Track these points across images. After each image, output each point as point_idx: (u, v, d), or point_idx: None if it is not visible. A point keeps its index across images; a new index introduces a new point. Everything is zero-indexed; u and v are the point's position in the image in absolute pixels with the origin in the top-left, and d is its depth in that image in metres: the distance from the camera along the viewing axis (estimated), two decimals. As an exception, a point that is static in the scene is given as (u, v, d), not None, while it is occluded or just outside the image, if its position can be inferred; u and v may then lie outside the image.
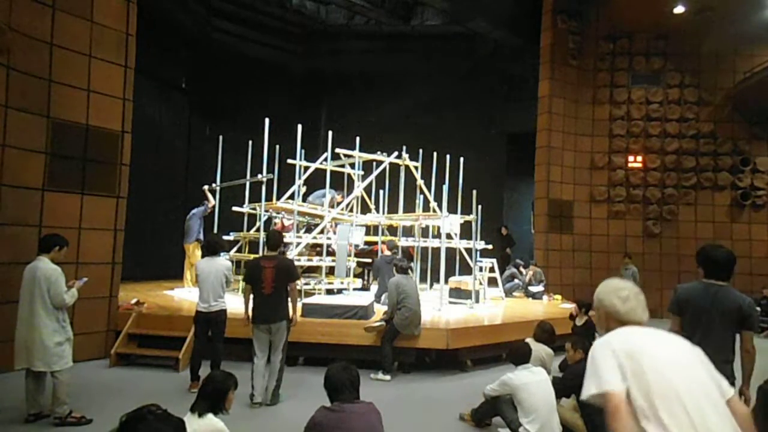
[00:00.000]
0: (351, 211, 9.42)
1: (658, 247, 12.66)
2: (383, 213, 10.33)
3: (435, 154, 10.11)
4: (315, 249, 9.08)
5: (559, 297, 10.78)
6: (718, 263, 3.33)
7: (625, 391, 1.77)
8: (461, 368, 6.75)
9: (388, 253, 8.78)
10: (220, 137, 9.42)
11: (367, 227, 10.05)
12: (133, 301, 7.13)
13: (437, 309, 7.95)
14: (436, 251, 9.48)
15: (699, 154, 12.69)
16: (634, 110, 12.84)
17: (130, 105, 6.96)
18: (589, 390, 1.85)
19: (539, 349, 5.06)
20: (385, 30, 15.29)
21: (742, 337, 3.24)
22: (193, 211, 9.00)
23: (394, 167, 10.02)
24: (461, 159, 10.17)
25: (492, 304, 9.29)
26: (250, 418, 4.73)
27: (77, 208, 6.37)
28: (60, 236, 4.69)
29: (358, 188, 9.51)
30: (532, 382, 4.21)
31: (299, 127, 8.15)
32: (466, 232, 9.72)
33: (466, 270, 9.37)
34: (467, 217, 9.32)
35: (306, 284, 8.35)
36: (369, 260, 9.82)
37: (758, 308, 9.66)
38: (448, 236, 9.17)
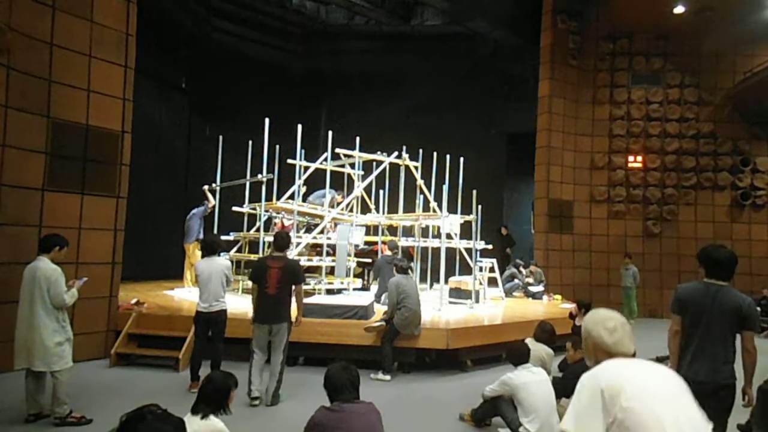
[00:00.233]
0: (351, 211, 9.42)
1: (658, 247, 12.66)
2: (383, 213, 10.32)
3: (435, 154, 10.11)
4: (315, 249, 9.08)
5: (559, 297, 10.78)
6: (719, 263, 3.33)
7: None
8: (461, 368, 6.75)
9: (389, 253, 8.78)
10: (220, 137, 9.42)
11: (367, 227, 10.05)
12: (133, 301, 7.13)
13: (437, 309, 7.94)
14: (436, 251, 9.48)
15: (699, 154, 12.70)
16: (634, 110, 12.85)
17: (130, 105, 6.96)
18: (566, 424, 1.85)
19: (539, 349, 5.06)
20: (385, 30, 15.29)
21: (743, 338, 3.23)
22: (193, 211, 9.00)
23: (394, 167, 10.02)
24: (461, 159, 10.16)
25: (492, 304, 9.29)
26: (250, 418, 4.73)
27: (77, 208, 6.37)
28: (60, 236, 4.69)
29: (358, 188, 9.50)
30: (532, 381, 4.21)
31: (299, 127, 8.15)
32: (466, 232, 9.71)
33: (466, 270, 9.37)
34: (467, 217, 9.32)
35: (306, 284, 8.34)
36: (369, 260, 9.82)
37: (758, 308, 9.67)
38: (448, 236, 9.17)
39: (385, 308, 6.73)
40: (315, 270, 8.85)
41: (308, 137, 9.30)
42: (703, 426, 1.82)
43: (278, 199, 8.91)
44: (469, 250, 9.19)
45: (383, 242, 9.77)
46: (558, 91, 12.49)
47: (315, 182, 9.93)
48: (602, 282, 12.54)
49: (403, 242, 9.45)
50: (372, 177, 9.35)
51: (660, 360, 6.28)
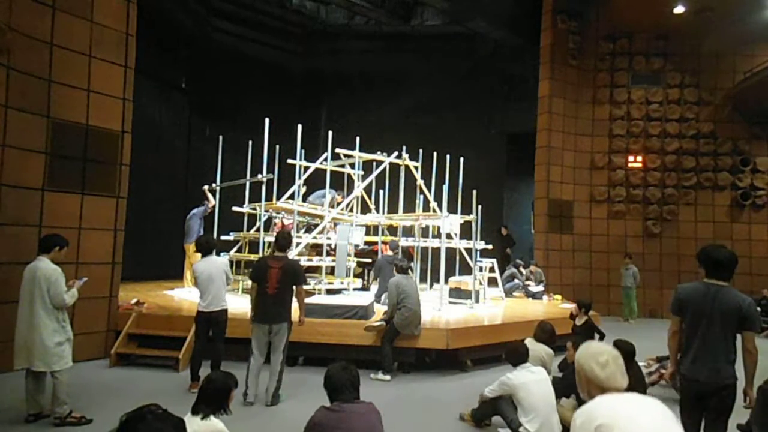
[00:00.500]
0: (351, 211, 9.42)
1: (658, 247, 12.67)
2: (383, 213, 10.33)
3: (435, 154, 10.11)
4: (315, 249, 9.08)
5: (559, 297, 10.78)
6: (719, 263, 3.33)
7: None
8: (461, 368, 6.75)
9: (390, 253, 8.77)
10: (220, 137, 9.41)
11: (367, 227, 10.05)
12: (133, 301, 7.13)
13: (437, 309, 7.94)
14: (436, 251, 9.48)
15: (699, 154, 12.70)
16: (634, 110, 12.85)
17: (130, 105, 6.96)
18: None
19: (539, 349, 5.06)
20: (385, 30, 15.30)
21: (743, 338, 3.23)
22: (193, 211, 9.00)
23: (394, 167, 10.02)
24: (461, 159, 10.16)
25: (492, 304, 9.29)
26: (250, 419, 4.73)
27: (77, 208, 6.37)
28: (60, 236, 4.68)
29: (358, 188, 9.51)
30: (532, 381, 4.21)
31: (299, 127, 8.15)
32: (466, 232, 9.71)
33: (466, 270, 9.37)
34: (467, 217, 9.32)
35: (306, 284, 8.33)
36: (369, 260, 9.82)
37: (758, 308, 9.67)
38: (448, 236, 9.17)
39: (385, 308, 6.73)
40: (315, 270, 8.85)
41: (308, 137, 9.30)
42: None
43: (278, 199, 8.91)
44: (469, 250, 9.19)
45: (384, 242, 9.77)
46: (558, 91, 12.49)
47: (315, 182, 9.93)
48: (602, 282, 12.55)
49: (403, 242, 9.45)
50: (372, 177, 9.35)
51: (660, 360, 6.30)
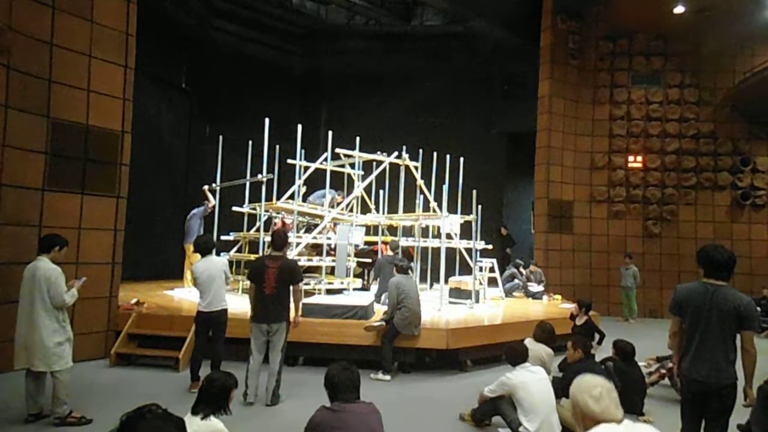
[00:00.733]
0: (351, 211, 9.42)
1: (658, 247, 12.67)
2: (383, 213, 10.33)
3: (435, 154, 10.11)
4: (315, 249, 9.08)
5: (559, 297, 10.78)
6: (718, 263, 3.33)
7: None
8: (461, 368, 6.75)
9: (390, 253, 8.77)
10: (220, 137, 9.42)
11: (367, 227, 10.05)
12: (133, 301, 7.13)
13: (437, 309, 7.94)
14: (436, 251, 9.48)
15: (699, 154, 12.70)
16: (634, 110, 12.85)
17: (130, 105, 6.96)
18: None
19: (539, 349, 5.06)
20: (385, 30, 15.30)
21: (742, 337, 3.23)
22: (194, 211, 8.99)
23: (394, 167, 10.02)
24: (461, 159, 10.17)
25: (492, 304, 9.29)
26: (250, 419, 4.73)
27: (77, 208, 6.37)
28: (60, 236, 4.68)
29: (358, 188, 9.51)
30: (531, 381, 4.21)
31: (299, 127, 8.15)
32: (466, 232, 9.72)
33: (466, 270, 9.37)
34: (467, 217, 9.32)
35: (306, 284, 8.34)
36: (369, 260, 9.82)
37: (758, 308, 9.67)
38: (448, 236, 9.17)
39: (385, 308, 6.73)
40: (315, 270, 8.85)
41: (308, 137, 9.29)
42: None
43: (278, 199, 8.92)
44: (469, 250, 9.19)
45: (384, 242, 9.77)
46: (558, 91, 12.49)
47: (315, 182, 9.93)
48: (602, 282, 12.55)
49: (403, 242, 9.45)
50: (372, 177, 9.35)
51: (660, 360, 6.31)
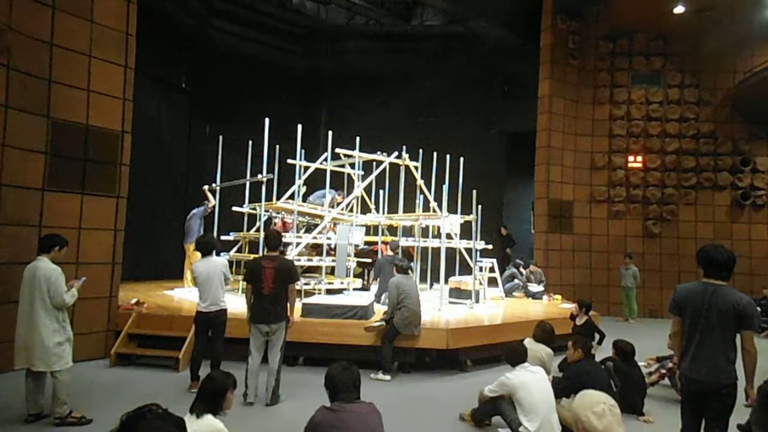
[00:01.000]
0: (351, 211, 9.42)
1: (658, 247, 12.67)
2: (383, 213, 10.33)
3: (435, 154, 10.11)
4: (315, 249, 9.08)
5: (559, 297, 10.78)
6: (717, 263, 3.33)
7: None
8: (461, 368, 6.75)
9: (390, 253, 8.77)
10: (220, 137, 9.42)
11: (367, 227, 10.05)
12: (133, 301, 7.14)
13: (437, 309, 7.95)
14: (436, 251, 9.48)
15: (699, 154, 12.70)
16: (634, 110, 12.85)
17: (130, 105, 6.96)
18: None
19: (539, 349, 5.06)
20: (385, 30, 15.30)
21: (742, 337, 3.22)
22: (194, 211, 9.00)
23: (394, 167, 10.02)
24: (461, 159, 10.17)
25: (492, 304, 9.29)
26: (250, 418, 4.73)
27: (77, 208, 6.37)
28: (60, 236, 4.68)
29: (358, 188, 9.51)
30: (531, 381, 4.21)
31: (299, 127, 8.15)
32: (466, 232, 9.72)
33: (466, 270, 9.37)
34: (467, 217, 9.33)
35: (306, 284, 8.35)
36: (369, 260, 9.82)
37: (758, 308, 9.66)
38: (448, 236, 9.17)
39: (385, 308, 6.73)
40: (315, 270, 8.85)
41: (308, 137, 9.29)
42: None
43: (278, 199, 8.91)
44: (469, 250, 9.19)
45: (385, 242, 9.77)
46: (558, 91, 12.49)
47: (315, 182, 9.93)
48: (602, 282, 12.55)
49: (403, 242, 9.45)
50: (372, 177, 9.35)
51: (660, 360, 6.31)
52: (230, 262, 7.89)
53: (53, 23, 6.14)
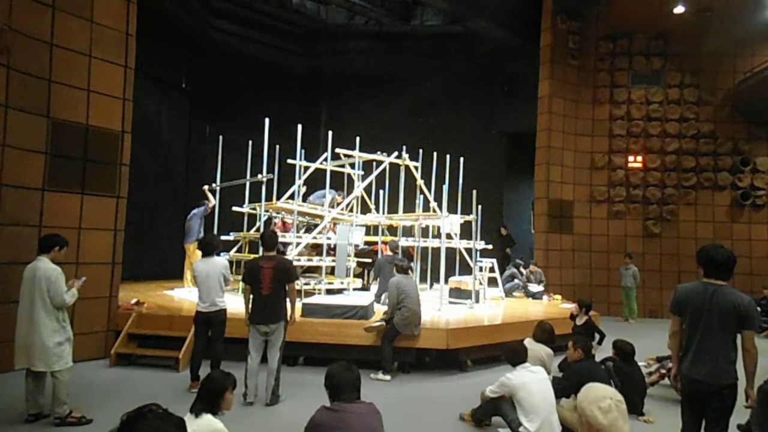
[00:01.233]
0: (351, 211, 9.42)
1: (658, 247, 12.67)
2: (383, 213, 10.32)
3: (435, 154, 10.11)
4: (315, 249, 9.08)
5: (559, 297, 10.78)
6: (717, 263, 3.32)
7: None
8: (461, 368, 6.75)
9: (390, 253, 8.77)
10: (220, 137, 9.42)
11: (367, 227, 10.05)
12: (133, 301, 7.14)
13: (437, 309, 7.95)
14: (436, 251, 9.48)
15: (699, 154, 12.70)
16: (634, 110, 12.85)
17: (130, 105, 6.96)
18: None
19: (539, 349, 5.06)
20: (385, 30, 15.29)
21: (742, 337, 3.22)
22: (194, 211, 8.99)
23: (394, 167, 10.02)
24: (461, 159, 10.17)
25: (492, 304, 9.29)
26: (250, 418, 4.73)
27: (77, 208, 6.37)
28: (60, 236, 4.68)
29: (358, 188, 9.51)
30: (531, 381, 4.20)
31: (299, 127, 8.15)
32: (466, 232, 9.71)
33: (466, 270, 9.37)
34: (467, 217, 9.32)
35: (306, 284, 8.35)
36: (369, 260, 9.82)
37: (758, 308, 9.67)
38: (448, 236, 9.17)
39: (385, 308, 6.73)
40: (315, 270, 8.85)
41: (308, 137, 9.29)
42: None
43: (278, 199, 8.91)
44: (469, 250, 9.19)
45: (384, 242, 9.77)
46: (558, 91, 12.49)
47: (315, 182, 9.93)
48: (602, 282, 12.55)
49: (403, 242, 9.45)
50: (372, 177, 9.35)
51: (660, 360, 6.31)
52: (230, 262, 7.89)
53: (53, 23, 6.14)
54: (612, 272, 12.32)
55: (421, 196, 10.12)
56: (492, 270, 10.11)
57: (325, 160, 8.99)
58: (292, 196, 9.04)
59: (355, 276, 9.36)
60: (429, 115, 14.34)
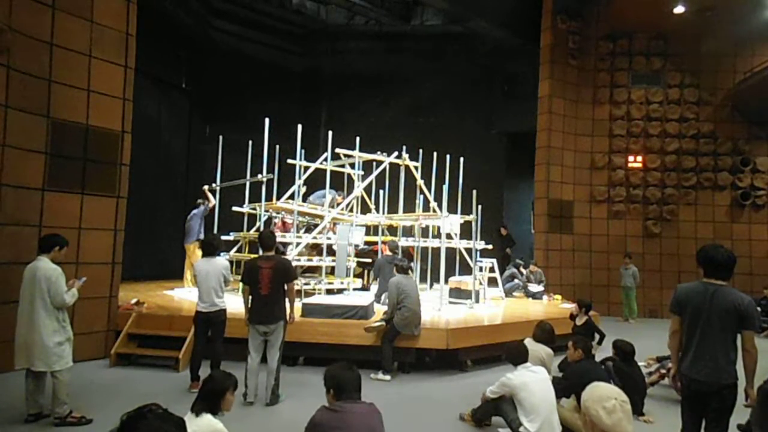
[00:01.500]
0: (351, 211, 9.42)
1: (658, 247, 12.67)
2: (383, 213, 10.32)
3: (435, 154, 10.11)
4: (315, 249, 9.08)
5: (559, 297, 10.78)
6: (717, 263, 3.32)
7: None
8: (461, 368, 6.75)
9: (389, 253, 8.77)
10: (220, 137, 9.42)
11: (367, 227, 10.05)
12: (133, 301, 7.13)
13: (437, 309, 7.95)
14: (436, 251, 9.48)
15: (699, 154, 12.70)
16: (634, 110, 12.85)
17: (130, 105, 6.96)
18: None
19: (539, 349, 5.05)
20: (385, 30, 15.30)
21: (742, 337, 3.22)
22: (194, 211, 8.99)
23: (394, 167, 10.02)
24: (461, 159, 10.17)
25: (492, 304, 9.29)
26: (250, 418, 4.73)
27: (77, 208, 6.37)
28: (60, 236, 4.68)
29: (358, 188, 9.50)
30: (532, 381, 4.20)
31: (299, 127, 8.15)
32: (466, 232, 9.71)
33: (466, 270, 9.37)
34: (467, 217, 9.33)
35: (306, 284, 8.35)
36: (369, 260, 9.82)
37: (758, 308, 9.67)
38: (448, 236, 9.17)
39: (385, 308, 6.73)
40: (315, 270, 8.85)
41: (308, 137, 9.29)
42: None
43: (278, 199, 8.91)
44: (469, 250, 9.19)
45: (384, 242, 9.77)
46: (558, 91, 12.49)
47: (315, 182, 9.93)
48: (602, 282, 12.55)
49: (403, 242, 9.45)
50: (372, 177, 9.35)
51: (660, 360, 6.31)
52: (230, 262, 7.89)
53: (53, 23, 6.14)
54: (612, 272, 12.32)
55: (421, 196, 10.12)
56: (492, 270, 10.11)
57: (325, 160, 8.99)
58: (292, 196, 9.03)
59: (355, 276, 9.35)
60: (429, 115, 14.35)
